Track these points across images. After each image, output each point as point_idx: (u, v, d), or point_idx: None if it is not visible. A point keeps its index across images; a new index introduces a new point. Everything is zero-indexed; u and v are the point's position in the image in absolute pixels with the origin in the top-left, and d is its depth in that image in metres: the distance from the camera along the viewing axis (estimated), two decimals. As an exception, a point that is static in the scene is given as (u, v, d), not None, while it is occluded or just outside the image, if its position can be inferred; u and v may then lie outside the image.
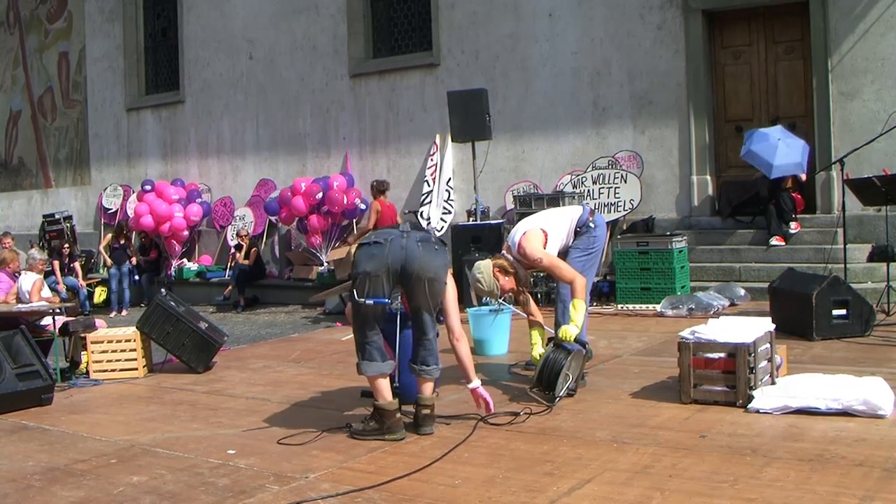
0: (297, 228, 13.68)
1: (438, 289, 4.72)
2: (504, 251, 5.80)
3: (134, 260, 14.26)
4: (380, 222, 10.42)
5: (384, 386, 4.70)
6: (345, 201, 12.88)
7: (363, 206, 13.09)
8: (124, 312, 13.39)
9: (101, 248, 15.05)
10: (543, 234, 5.61)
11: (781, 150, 9.28)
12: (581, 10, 11.46)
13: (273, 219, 13.93)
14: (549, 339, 5.63)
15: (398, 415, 4.68)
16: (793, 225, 9.90)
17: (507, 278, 5.54)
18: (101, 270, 15.92)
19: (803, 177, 10.02)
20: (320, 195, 12.86)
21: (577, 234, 5.82)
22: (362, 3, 13.53)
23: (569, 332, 5.20)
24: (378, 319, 4.72)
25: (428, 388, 4.80)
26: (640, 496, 3.61)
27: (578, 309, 5.26)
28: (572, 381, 5.30)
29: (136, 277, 14.25)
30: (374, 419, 4.72)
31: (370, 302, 4.60)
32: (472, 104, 10.41)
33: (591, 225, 5.82)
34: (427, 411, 4.78)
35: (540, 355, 5.54)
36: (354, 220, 13.27)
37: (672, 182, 11.00)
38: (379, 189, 10.97)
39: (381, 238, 4.62)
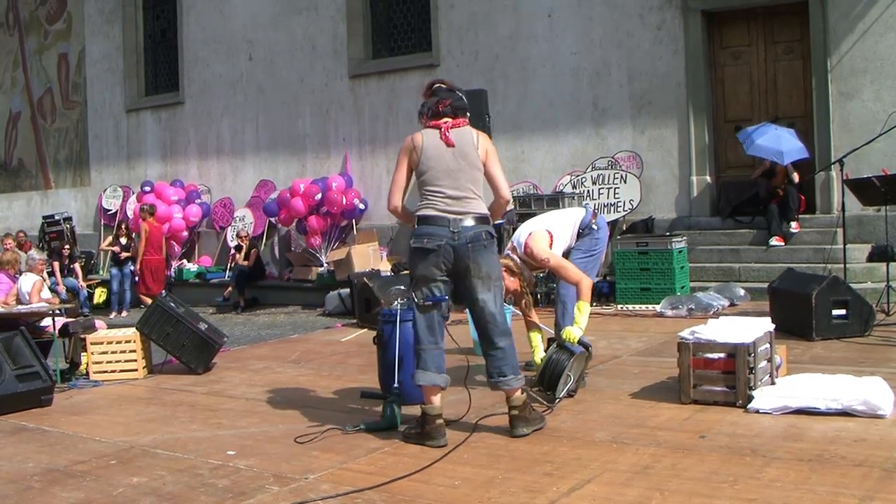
0: (297, 229, 13.69)
1: (497, 284, 4.71)
2: (509, 251, 5.79)
3: (128, 253, 14.05)
4: (149, 242, 12.51)
5: (434, 392, 4.60)
6: (343, 202, 12.89)
7: (362, 207, 13.11)
8: (124, 314, 13.35)
9: (102, 249, 14.97)
10: (549, 236, 5.61)
11: (783, 136, 9.46)
12: (580, 11, 11.46)
13: (273, 219, 13.93)
14: (550, 340, 5.63)
15: (439, 420, 4.57)
16: (793, 224, 9.91)
17: (512, 279, 5.53)
18: (101, 271, 15.92)
19: (796, 177, 10.03)
20: (319, 196, 12.87)
21: (579, 235, 5.83)
22: (362, 3, 13.54)
23: (572, 333, 5.20)
24: (439, 327, 4.65)
25: (513, 391, 4.64)
26: (640, 496, 3.61)
27: (583, 311, 5.26)
28: (573, 383, 5.30)
29: (137, 279, 14.17)
30: (418, 424, 4.65)
31: (429, 302, 4.60)
32: (471, 105, 10.33)
33: (594, 227, 5.82)
34: (516, 412, 4.62)
35: (542, 360, 5.53)
36: (354, 220, 13.29)
37: (671, 182, 11.01)
38: (149, 212, 12.93)
39: (432, 245, 4.53)
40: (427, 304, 4.60)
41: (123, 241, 14.13)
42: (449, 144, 4.66)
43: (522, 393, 4.69)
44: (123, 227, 14.44)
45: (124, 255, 13.95)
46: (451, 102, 4.79)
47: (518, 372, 4.69)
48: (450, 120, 4.74)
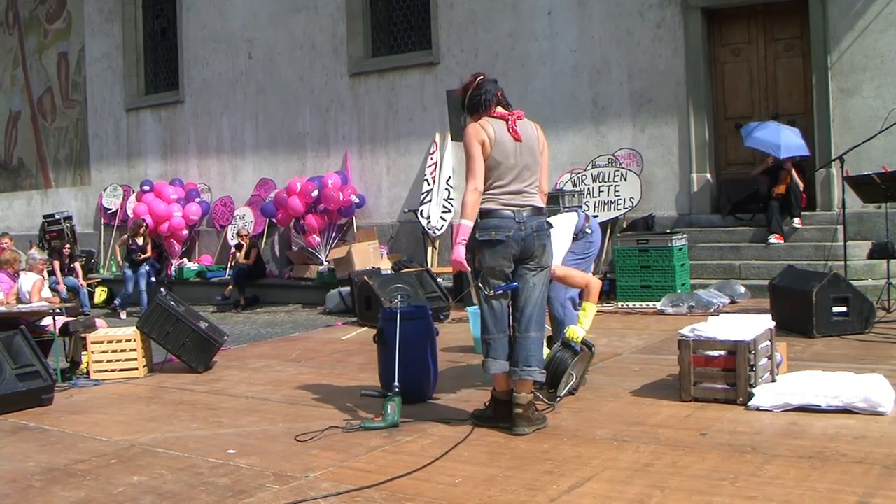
0: (294, 229, 13.67)
1: (548, 274, 4.81)
2: None
3: (145, 254, 13.55)
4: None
5: (503, 378, 4.72)
6: (340, 198, 12.87)
7: (357, 201, 13.08)
8: (123, 315, 13.05)
9: (117, 248, 14.33)
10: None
11: (784, 133, 9.42)
12: (580, 9, 11.45)
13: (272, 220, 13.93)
14: (548, 338, 5.61)
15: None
16: (796, 220, 9.91)
17: None
18: (102, 270, 15.90)
19: (801, 184, 10.00)
20: (316, 193, 12.87)
21: (574, 240, 5.85)
22: (361, 2, 13.53)
23: (576, 333, 5.21)
24: (506, 318, 4.72)
25: (525, 387, 4.66)
26: (641, 494, 3.61)
27: (589, 312, 5.28)
28: (575, 381, 5.30)
29: (153, 279, 13.59)
30: (491, 408, 4.81)
31: (499, 292, 4.65)
32: (471, 103, 10.37)
33: (588, 231, 5.85)
34: (520, 410, 4.62)
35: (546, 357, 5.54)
36: (354, 218, 13.28)
37: (672, 180, 11.00)
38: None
39: (501, 236, 4.57)
40: (497, 294, 4.66)
41: (140, 241, 13.57)
42: (517, 139, 4.68)
43: (529, 392, 4.70)
44: (143, 227, 13.74)
45: (142, 255, 13.47)
46: (503, 92, 4.85)
47: (542, 367, 4.76)
48: (512, 111, 4.78)
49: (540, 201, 4.75)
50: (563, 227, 5.83)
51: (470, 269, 4.77)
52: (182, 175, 15.38)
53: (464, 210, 4.62)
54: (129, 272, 13.39)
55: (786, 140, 9.34)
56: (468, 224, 4.60)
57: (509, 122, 4.69)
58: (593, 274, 6.03)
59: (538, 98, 11.72)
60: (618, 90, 11.26)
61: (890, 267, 8.12)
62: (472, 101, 4.79)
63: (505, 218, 4.59)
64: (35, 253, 9.27)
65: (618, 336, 7.54)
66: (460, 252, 4.65)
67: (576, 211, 6.14)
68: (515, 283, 4.69)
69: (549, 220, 4.89)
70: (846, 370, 5.12)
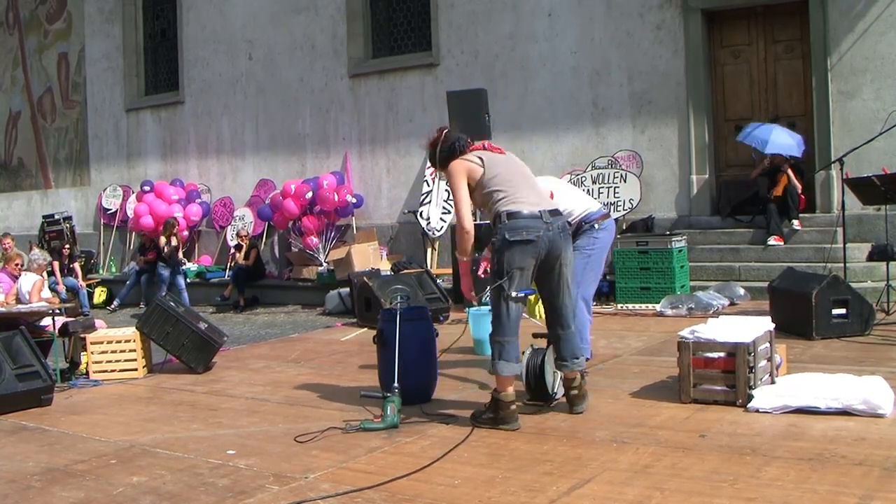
0: (292, 231, 13.66)
1: (573, 270, 4.93)
2: None
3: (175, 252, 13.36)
4: None
5: (510, 381, 4.77)
6: (336, 199, 12.86)
7: (353, 201, 13.06)
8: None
9: (165, 249, 13.51)
10: (549, 195, 5.64)
11: (778, 132, 9.49)
12: (580, 10, 11.46)
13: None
14: (535, 335, 5.56)
15: (513, 406, 4.74)
16: (795, 222, 9.91)
17: None
18: (101, 271, 15.90)
19: (799, 186, 10.00)
20: (310, 195, 12.87)
21: (582, 230, 5.82)
22: (361, 3, 13.54)
23: None
24: (519, 321, 4.77)
25: (575, 374, 4.90)
26: (640, 496, 3.61)
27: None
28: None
29: (186, 280, 13.45)
30: (491, 409, 4.83)
31: (521, 294, 4.69)
32: (471, 104, 10.38)
33: (596, 226, 5.83)
34: (576, 391, 4.90)
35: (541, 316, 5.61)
36: (353, 218, 13.28)
37: (671, 181, 11.01)
38: None
39: (532, 235, 4.63)
40: (520, 296, 4.71)
41: (174, 241, 13.33)
42: (501, 153, 4.92)
43: (576, 374, 4.92)
44: (175, 226, 13.48)
45: (181, 253, 13.30)
46: (471, 138, 5.08)
47: (588, 350, 5.03)
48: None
49: (552, 203, 4.91)
50: (577, 197, 5.95)
51: (486, 275, 4.98)
52: (182, 176, 15.39)
53: (459, 247, 4.97)
54: (165, 274, 13.14)
55: (776, 138, 9.38)
56: (466, 259, 4.99)
57: (486, 146, 4.95)
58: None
59: (538, 99, 11.73)
60: (618, 92, 11.26)
61: (889, 269, 8.12)
62: (445, 153, 4.93)
63: (533, 218, 4.68)
64: (37, 254, 9.27)
65: (617, 337, 7.54)
66: (467, 285, 5.13)
67: (600, 206, 6.18)
68: (535, 290, 4.81)
69: (573, 187, 4.99)
70: (846, 372, 5.12)
